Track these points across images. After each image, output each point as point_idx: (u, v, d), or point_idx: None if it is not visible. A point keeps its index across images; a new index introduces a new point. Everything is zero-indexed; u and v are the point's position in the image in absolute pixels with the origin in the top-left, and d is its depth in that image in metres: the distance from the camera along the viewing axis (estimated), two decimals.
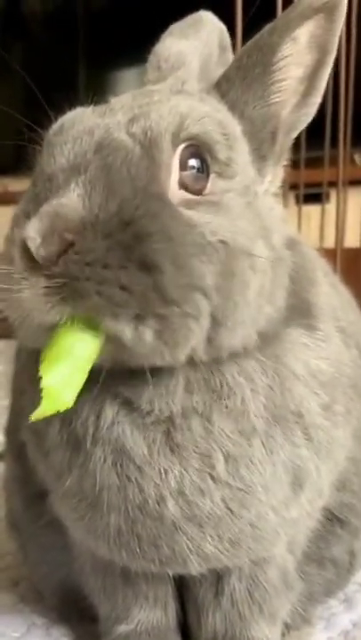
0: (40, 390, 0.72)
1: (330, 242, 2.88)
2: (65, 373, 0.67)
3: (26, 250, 0.67)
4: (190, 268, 0.69)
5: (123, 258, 0.67)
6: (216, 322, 0.72)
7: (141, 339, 0.68)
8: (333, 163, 2.82)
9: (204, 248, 0.71)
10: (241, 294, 0.73)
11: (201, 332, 0.72)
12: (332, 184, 2.89)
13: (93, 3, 4.74)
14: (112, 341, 0.69)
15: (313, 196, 3.02)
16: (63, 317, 0.67)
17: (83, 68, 4.57)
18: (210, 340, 0.73)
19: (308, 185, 2.92)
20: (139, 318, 0.67)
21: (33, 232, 0.66)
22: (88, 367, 0.69)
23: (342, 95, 2.58)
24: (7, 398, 1.00)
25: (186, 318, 0.69)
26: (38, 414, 0.67)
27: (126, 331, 0.68)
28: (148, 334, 0.68)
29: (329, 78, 0.84)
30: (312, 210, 3.02)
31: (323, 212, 2.85)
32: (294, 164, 2.71)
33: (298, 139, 0.87)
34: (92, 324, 0.68)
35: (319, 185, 2.96)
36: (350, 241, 3.01)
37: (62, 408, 0.67)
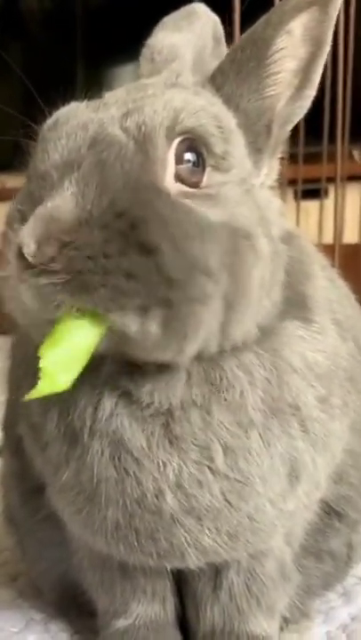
0: (36, 380, 0.74)
1: (329, 237, 2.88)
2: (63, 356, 0.68)
3: (21, 253, 0.67)
4: (190, 250, 0.68)
5: (121, 245, 0.67)
6: (228, 306, 0.72)
7: (147, 331, 0.68)
8: (332, 158, 2.82)
9: (203, 230, 0.70)
10: (248, 277, 0.73)
11: (213, 318, 0.71)
12: (331, 180, 2.88)
13: (91, 1, 4.73)
14: (117, 335, 0.69)
15: (312, 191, 3.02)
16: (69, 311, 0.67)
17: (81, 67, 4.56)
18: (223, 328, 0.73)
19: (306, 181, 2.92)
20: (144, 309, 0.67)
21: (27, 238, 0.67)
22: (87, 356, 0.69)
23: (340, 90, 2.58)
24: (5, 394, 1.00)
25: (192, 304, 0.68)
26: (34, 394, 0.68)
27: (132, 324, 0.67)
28: (153, 326, 0.68)
29: (327, 73, 0.84)
30: (311, 205, 3.02)
31: (321, 208, 2.85)
32: (293, 160, 2.72)
33: (296, 134, 0.87)
34: (94, 315, 0.68)
35: (318, 181, 2.96)
36: (349, 237, 3.00)
37: (57, 389, 0.68)
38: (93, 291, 0.66)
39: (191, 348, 0.72)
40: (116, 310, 0.67)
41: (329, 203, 2.93)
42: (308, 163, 2.84)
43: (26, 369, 0.86)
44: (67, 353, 0.68)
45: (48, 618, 1.05)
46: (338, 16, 0.83)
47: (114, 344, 0.70)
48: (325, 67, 0.84)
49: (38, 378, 0.80)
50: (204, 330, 0.71)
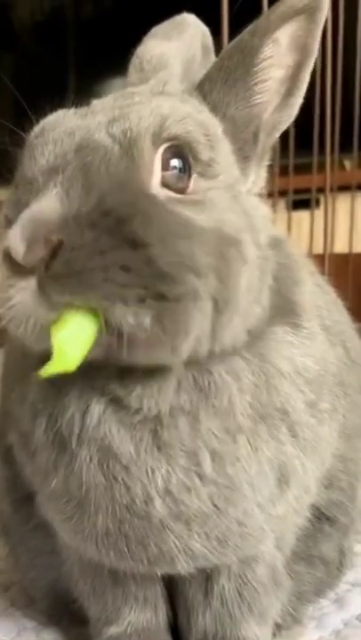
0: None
1: (320, 247, 2.89)
2: (74, 332, 0.68)
3: (9, 258, 0.68)
4: (178, 248, 0.69)
5: (112, 240, 0.67)
6: (217, 309, 0.72)
7: (141, 324, 0.67)
8: (323, 169, 2.83)
9: (191, 231, 0.71)
10: (235, 280, 0.74)
11: (203, 318, 0.71)
12: (322, 190, 2.90)
13: (83, 12, 4.75)
14: (111, 333, 0.68)
15: (304, 202, 3.03)
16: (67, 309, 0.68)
17: (72, 78, 4.57)
18: (213, 330, 0.73)
19: (298, 191, 2.93)
20: (141, 300, 0.67)
21: (15, 242, 0.66)
22: (90, 341, 0.69)
23: (329, 101, 2.59)
24: None
25: (183, 300, 0.68)
26: (47, 370, 0.68)
27: (130, 317, 0.67)
28: (147, 319, 0.67)
29: (316, 84, 0.85)
30: (303, 216, 3.03)
31: (312, 218, 2.86)
32: (284, 171, 2.73)
33: (287, 145, 0.88)
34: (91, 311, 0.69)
35: (309, 191, 2.97)
36: (340, 247, 3.02)
37: (68, 368, 0.68)
38: (97, 288, 0.66)
39: (184, 347, 0.71)
40: (119, 304, 0.67)
41: (320, 213, 2.94)
42: (300, 173, 2.85)
43: (17, 376, 0.86)
44: (74, 333, 0.68)
45: (40, 626, 1.04)
46: (326, 27, 0.84)
47: (106, 348, 0.70)
48: (314, 77, 0.84)
49: (28, 383, 0.81)
50: (196, 328, 0.71)
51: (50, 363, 0.68)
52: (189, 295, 0.69)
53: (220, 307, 0.72)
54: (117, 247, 0.67)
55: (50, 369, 0.68)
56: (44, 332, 0.69)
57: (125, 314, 0.67)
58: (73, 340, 0.68)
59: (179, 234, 0.70)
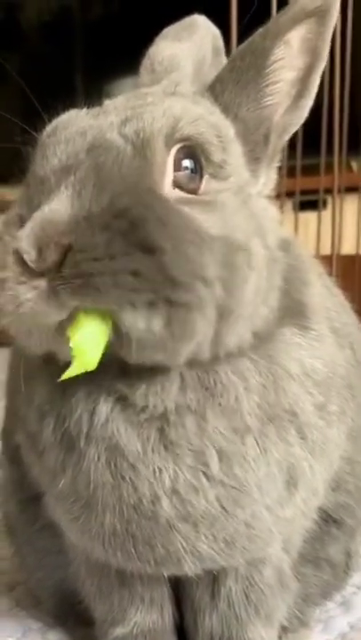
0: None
1: (327, 248, 2.88)
2: (91, 332, 0.69)
3: (21, 258, 0.68)
4: (190, 256, 0.69)
5: (125, 245, 0.67)
6: (221, 316, 0.72)
7: (151, 329, 0.68)
8: (330, 170, 2.83)
9: (202, 238, 0.71)
10: (241, 289, 0.74)
11: (207, 326, 0.72)
12: (330, 191, 2.89)
13: (90, 13, 4.76)
14: (120, 334, 0.69)
15: (311, 203, 3.03)
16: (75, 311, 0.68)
17: (80, 79, 4.58)
18: (216, 335, 0.73)
19: (306, 192, 2.93)
20: (151, 305, 0.67)
21: (26, 245, 0.67)
22: (105, 340, 0.70)
23: (337, 102, 2.59)
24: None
25: (190, 309, 0.69)
26: (69, 373, 0.69)
27: (140, 321, 0.67)
28: (157, 324, 0.68)
29: (324, 85, 0.85)
30: (310, 217, 3.02)
31: (319, 219, 2.86)
32: (292, 172, 2.73)
33: (294, 146, 0.88)
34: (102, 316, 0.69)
35: (317, 192, 2.97)
36: (347, 247, 3.01)
37: (89, 367, 0.69)
38: (106, 292, 0.66)
39: (185, 351, 0.72)
40: (127, 308, 0.67)
41: (327, 214, 2.93)
42: (307, 174, 2.84)
43: (23, 377, 0.86)
44: (91, 334, 0.69)
45: (46, 627, 1.05)
46: (335, 29, 0.83)
47: (111, 345, 0.70)
48: (322, 79, 0.85)
49: (34, 384, 0.81)
50: (199, 335, 0.71)
51: (71, 366, 0.69)
52: (197, 303, 0.69)
53: (224, 314, 0.72)
54: (129, 252, 0.67)
55: (72, 371, 0.69)
56: (49, 334, 0.70)
57: (135, 318, 0.67)
58: (91, 340, 0.69)
59: (191, 241, 0.70)
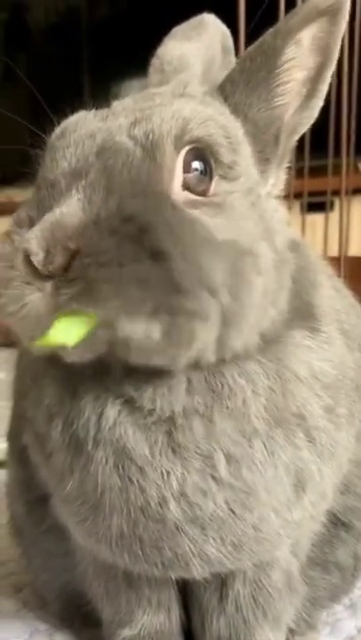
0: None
1: (335, 250, 2.88)
2: (72, 320, 0.67)
3: (28, 259, 0.68)
4: (199, 263, 0.68)
5: (135, 250, 0.66)
6: (225, 322, 0.72)
7: (149, 337, 0.68)
8: (338, 171, 2.82)
9: (210, 244, 0.70)
10: (247, 295, 0.73)
11: (209, 332, 0.71)
12: (338, 193, 2.88)
13: (97, 13, 4.76)
14: (119, 342, 0.69)
15: (319, 204, 3.02)
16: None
17: (87, 79, 4.59)
18: (219, 341, 0.73)
19: (313, 194, 2.92)
20: (152, 315, 0.66)
21: (35, 246, 0.67)
22: (92, 325, 0.68)
23: (345, 103, 2.58)
24: (9, 406, 1.00)
25: (193, 318, 0.68)
26: (41, 341, 0.67)
27: (138, 330, 0.67)
28: (156, 332, 0.67)
29: (332, 86, 0.84)
30: (318, 219, 3.02)
31: (326, 221, 2.85)
32: (300, 173, 2.72)
33: (302, 147, 0.87)
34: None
35: (325, 194, 2.96)
36: (355, 249, 3.00)
37: (66, 342, 0.67)
38: (106, 300, 0.66)
39: (184, 357, 0.72)
40: (125, 318, 0.66)
41: (335, 215, 2.93)
42: (315, 176, 2.84)
43: (31, 379, 0.86)
44: (74, 319, 0.67)
45: (52, 629, 1.04)
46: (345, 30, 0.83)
47: (107, 347, 0.70)
48: (331, 80, 0.84)
49: (43, 386, 0.80)
50: (199, 343, 0.71)
51: (45, 336, 0.67)
52: (199, 312, 0.69)
53: (229, 319, 0.72)
54: (138, 260, 0.66)
55: (44, 340, 0.67)
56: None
57: (133, 327, 0.67)
58: (73, 323, 0.67)
59: (199, 247, 0.69)
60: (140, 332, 0.67)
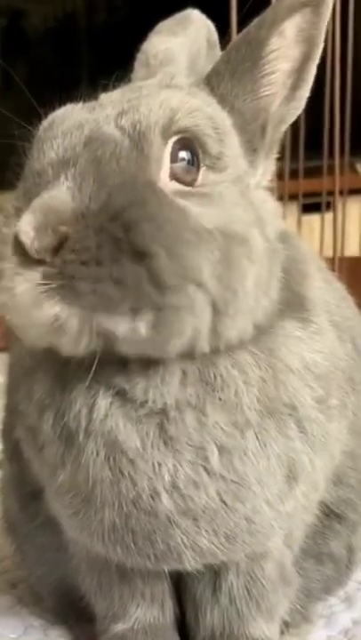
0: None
1: (331, 251, 2.88)
2: None
3: (18, 245, 0.68)
4: (184, 257, 0.69)
5: (114, 251, 0.68)
6: (217, 311, 0.72)
7: (135, 330, 0.69)
8: (334, 172, 2.82)
9: (199, 235, 0.71)
10: (240, 283, 0.74)
11: (199, 322, 0.72)
12: (333, 193, 2.88)
13: (95, 18, 4.77)
14: (102, 335, 0.69)
15: (315, 205, 3.02)
16: (58, 312, 0.68)
17: (85, 85, 4.60)
18: (213, 330, 0.74)
19: (309, 195, 2.92)
20: (134, 311, 0.68)
21: (26, 226, 0.67)
22: None
23: (338, 103, 2.58)
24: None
25: (180, 311, 0.69)
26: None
27: (119, 325, 0.68)
28: (142, 327, 0.69)
29: (325, 86, 0.85)
30: (314, 219, 3.01)
31: (322, 221, 2.85)
32: (294, 174, 2.72)
33: (297, 148, 0.87)
34: None
35: (321, 194, 2.96)
36: (351, 250, 3.00)
37: None
38: (83, 296, 0.67)
39: (174, 347, 0.73)
40: (102, 314, 0.68)
41: (331, 216, 2.92)
42: (311, 177, 2.84)
43: (23, 372, 0.86)
44: None
45: (47, 624, 1.04)
46: (335, 29, 0.83)
47: (100, 340, 0.70)
48: (324, 79, 0.85)
49: (34, 379, 0.81)
50: (189, 332, 0.72)
51: None
52: (187, 304, 0.70)
53: (220, 309, 0.73)
54: (116, 260, 0.67)
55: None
56: (46, 326, 0.70)
57: (115, 323, 0.68)
58: None
59: (187, 240, 0.70)
60: (123, 328, 0.68)
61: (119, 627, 0.92)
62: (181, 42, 0.95)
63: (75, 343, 0.71)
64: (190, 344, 0.73)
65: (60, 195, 0.69)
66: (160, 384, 0.76)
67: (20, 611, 1.08)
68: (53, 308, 0.68)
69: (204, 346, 0.75)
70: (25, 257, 0.69)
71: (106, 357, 0.73)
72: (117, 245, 0.68)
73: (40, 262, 0.68)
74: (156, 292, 0.68)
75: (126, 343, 0.71)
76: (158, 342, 0.71)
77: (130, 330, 0.69)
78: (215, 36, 1.01)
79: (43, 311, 0.69)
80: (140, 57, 0.95)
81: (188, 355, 0.75)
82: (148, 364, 0.75)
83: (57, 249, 0.68)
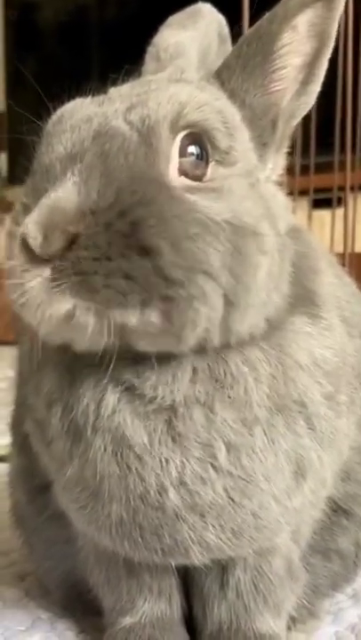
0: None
1: (341, 247, 2.87)
2: None
3: (26, 244, 0.69)
4: (191, 250, 0.69)
5: (123, 247, 0.68)
6: (229, 303, 0.72)
7: (148, 321, 0.69)
8: (345, 168, 2.81)
9: (208, 227, 0.71)
10: (252, 276, 0.74)
11: (212, 313, 0.72)
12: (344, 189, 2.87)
13: (107, 12, 4.77)
14: (118, 329, 0.70)
15: (326, 201, 3.01)
16: (71, 307, 0.69)
17: (95, 79, 4.59)
18: (224, 323, 0.73)
19: (320, 190, 2.91)
20: (144, 303, 0.68)
21: (33, 230, 0.68)
22: None
23: (350, 99, 2.57)
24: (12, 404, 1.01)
25: (191, 300, 0.69)
26: None
27: (132, 318, 0.69)
28: (154, 316, 0.69)
29: (337, 82, 0.84)
30: (324, 215, 3.01)
31: (333, 217, 2.84)
32: (305, 170, 2.72)
33: (308, 144, 0.87)
34: None
35: (331, 190, 2.95)
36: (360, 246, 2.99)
37: None
38: (96, 291, 0.68)
39: (190, 338, 0.72)
40: (116, 308, 0.68)
41: (342, 212, 2.92)
42: (322, 172, 2.83)
43: (31, 367, 0.86)
44: None
45: (54, 617, 1.04)
46: (348, 26, 0.83)
47: (116, 336, 0.71)
48: (336, 75, 0.84)
49: (43, 372, 0.81)
50: (204, 322, 0.72)
51: None
52: (198, 295, 0.70)
53: (232, 301, 0.73)
54: (124, 256, 0.68)
55: None
56: (58, 322, 0.70)
57: (128, 316, 0.69)
58: None
59: (194, 234, 0.70)
60: (135, 320, 0.69)
61: (127, 620, 0.92)
62: (192, 35, 0.95)
63: (91, 339, 0.71)
64: (203, 337, 0.73)
65: (66, 193, 0.69)
66: (171, 381, 0.76)
67: (27, 603, 1.08)
68: (66, 304, 0.69)
69: (215, 339, 0.74)
70: (33, 254, 0.69)
71: (116, 353, 0.73)
72: (125, 241, 0.68)
73: (49, 261, 0.69)
74: (163, 284, 0.68)
75: (142, 337, 0.71)
76: (172, 334, 0.71)
77: (143, 322, 0.69)
78: (226, 30, 1.00)
79: (55, 307, 0.69)
80: (150, 50, 0.95)
81: (201, 350, 0.75)
82: (160, 360, 0.75)
83: (66, 248, 0.68)
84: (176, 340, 0.72)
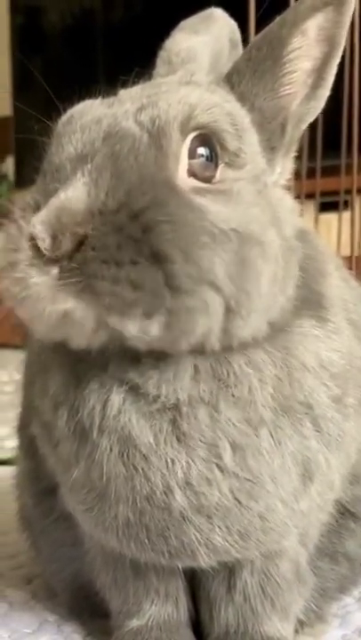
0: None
1: (349, 250, 2.87)
2: None
3: (35, 243, 0.69)
4: (200, 259, 0.69)
5: (134, 253, 0.68)
6: (230, 311, 0.72)
7: (147, 333, 0.69)
8: (352, 171, 2.81)
9: (215, 236, 0.71)
10: (254, 284, 0.74)
11: (211, 321, 0.72)
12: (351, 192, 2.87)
13: (112, 15, 4.78)
14: (114, 332, 0.70)
15: (333, 204, 3.01)
16: (71, 307, 0.69)
17: (102, 82, 4.60)
18: (224, 329, 0.73)
19: (328, 193, 2.91)
20: (147, 315, 0.68)
21: (41, 231, 0.68)
22: None
23: (356, 102, 2.57)
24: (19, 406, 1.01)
25: (192, 312, 0.70)
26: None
27: (130, 327, 0.69)
28: (154, 329, 0.69)
29: (344, 86, 0.85)
30: (331, 218, 3.01)
31: (340, 220, 2.84)
32: (311, 173, 2.71)
33: (315, 147, 0.87)
34: None
35: (338, 193, 2.95)
36: None
37: None
38: (99, 296, 0.68)
39: (184, 345, 0.73)
40: (117, 315, 0.68)
41: (349, 215, 2.91)
42: (329, 175, 2.83)
43: (38, 369, 0.87)
44: None
45: (61, 619, 1.04)
46: (354, 29, 0.83)
47: (109, 337, 0.71)
48: (342, 78, 0.85)
49: (49, 375, 0.81)
50: (200, 331, 0.72)
51: None
52: (200, 306, 0.70)
53: (233, 309, 0.73)
54: (135, 262, 0.68)
55: None
56: (57, 319, 0.70)
57: (127, 325, 0.69)
58: None
59: (203, 243, 0.70)
60: (134, 329, 0.69)
61: (133, 623, 0.92)
62: (204, 40, 0.96)
63: (85, 337, 0.71)
64: (201, 341, 0.74)
65: (76, 193, 0.69)
66: (172, 379, 0.76)
67: (34, 606, 1.08)
68: (67, 303, 0.69)
69: (215, 344, 0.75)
70: (41, 254, 0.69)
71: (119, 352, 0.74)
72: (137, 246, 0.68)
73: (57, 261, 0.69)
74: (171, 295, 0.68)
75: (135, 341, 0.71)
76: (169, 340, 0.72)
77: (141, 331, 0.69)
78: (238, 35, 1.01)
79: (56, 305, 0.69)
80: (162, 54, 0.95)
81: (200, 350, 0.75)
82: (160, 357, 0.75)
83: (75, 250, 0.68)
84: (170, 345, 0.73)
